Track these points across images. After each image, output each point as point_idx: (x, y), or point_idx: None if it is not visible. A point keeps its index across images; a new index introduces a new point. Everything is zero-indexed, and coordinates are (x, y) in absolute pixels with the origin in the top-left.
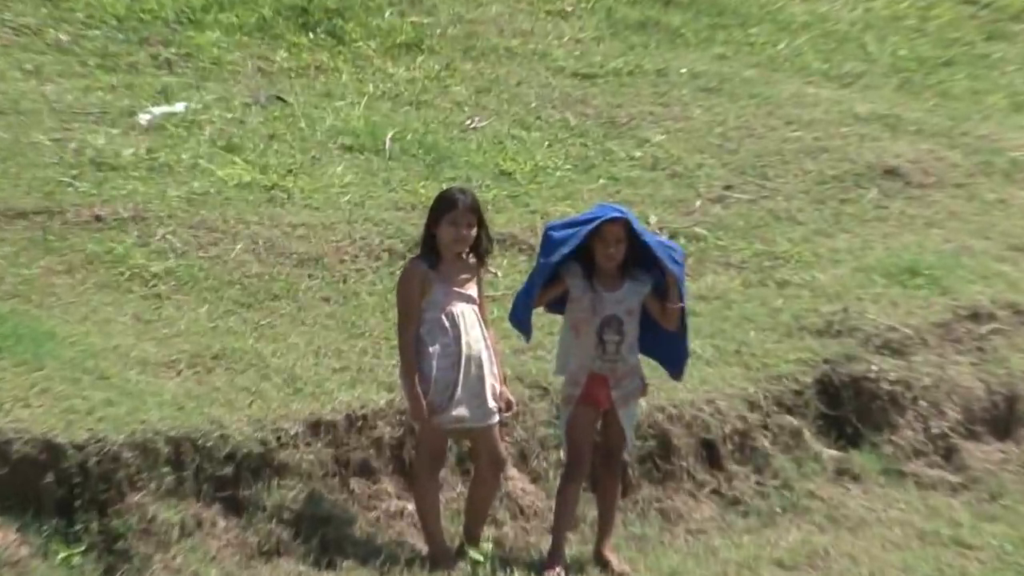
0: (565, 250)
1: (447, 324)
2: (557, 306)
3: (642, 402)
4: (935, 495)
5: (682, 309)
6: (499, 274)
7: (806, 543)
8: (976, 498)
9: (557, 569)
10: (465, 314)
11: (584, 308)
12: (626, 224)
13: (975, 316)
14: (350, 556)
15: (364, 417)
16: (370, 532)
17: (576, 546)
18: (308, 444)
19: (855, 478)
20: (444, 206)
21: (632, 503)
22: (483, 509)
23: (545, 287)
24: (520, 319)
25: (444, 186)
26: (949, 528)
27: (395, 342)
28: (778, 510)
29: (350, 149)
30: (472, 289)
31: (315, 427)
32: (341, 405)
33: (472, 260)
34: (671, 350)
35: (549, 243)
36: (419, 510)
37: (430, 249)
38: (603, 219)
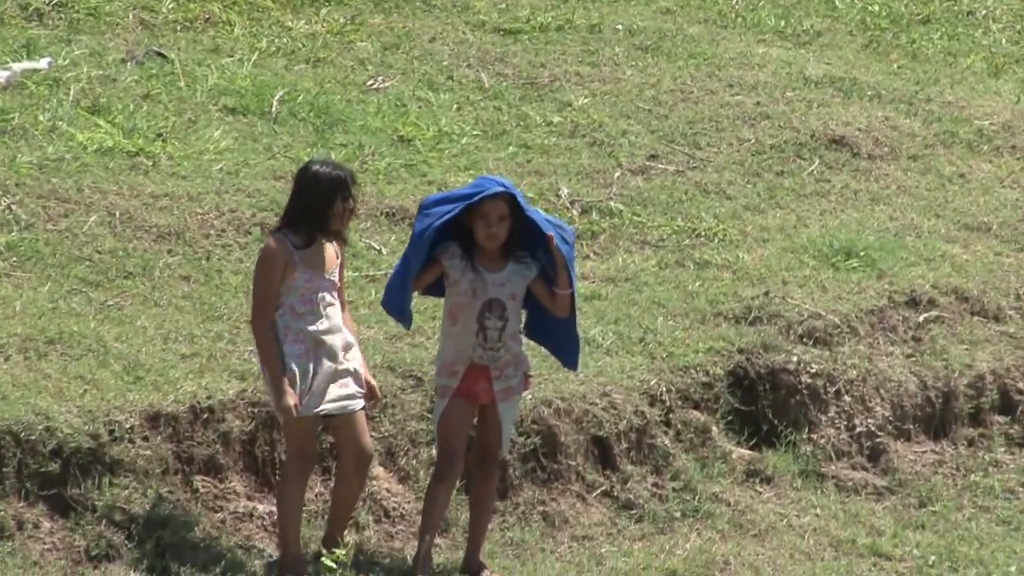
0: (437, 223)
1: (303, 310)
2: (434, 289)
3: (526, 395)
4: (856, 500)
5: (572, 295)
6: (384, 251)
7: (704, 551)
8: (902, 503)
9: None
10: (325, 298)
11: (463, 291)
12: (510, 200)
13: (913, 303)
14: (188, 562)
15: (210, 409)
16: (214, 535)
17: (447, 552)
18: (145, 438)
19: (767, 480)
20: (340, 187)
21: (512, 505)
22: (345, 510)
23: (420, 270)
24: (396, 305)
25: (333, 154)
26: (868, 536)
27: None
28: (677, 515)
29: (233, 111)
30: (335, 273)
31: (154, 420)
32: (185, 395)
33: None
34: (565, 337)
35: (423, 220)
36: (280, 512)
37: (305, 227)
38: (484, 194)
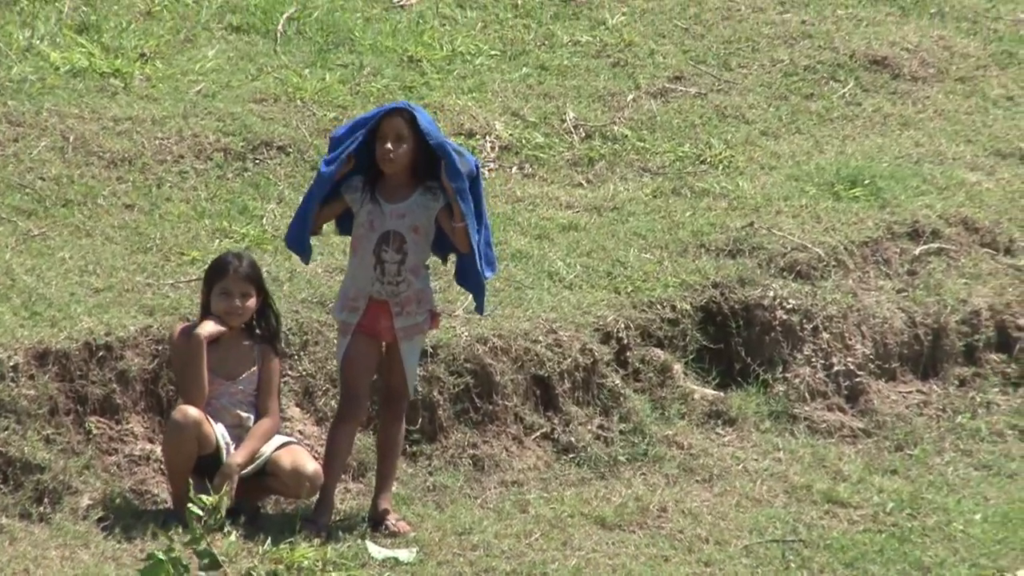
0: (344, 155)
1: (208, 411)
2: (347, 226)
3: (462, 332)
4: (828, 443)
5: (467, 230)
6: None
7: (641, 498)
8: (877, 446)
9: (320, 525)
10: (228, 410)
11: (362, 223)
12: (411, 120)
13: (915, 234)
14: (67, 507)
15: (107, 346)
16: (104, 478)
17: (359, 498)
18: (31, 377)
19: (730, 422)
20: (213, 272)
21: (441, 448)
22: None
23: (323, 204)
24: (295, 239)
25: (328, 76)
26: (828, 482)
27: (188, 255)
28: (622, 459)
29: (237, 29)
30: (247, 380)
31: (42, 357)
32: (80, 332)
33: (251, 344)
34: (470, 280)
35: (331, 154)
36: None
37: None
38: (380, 112)
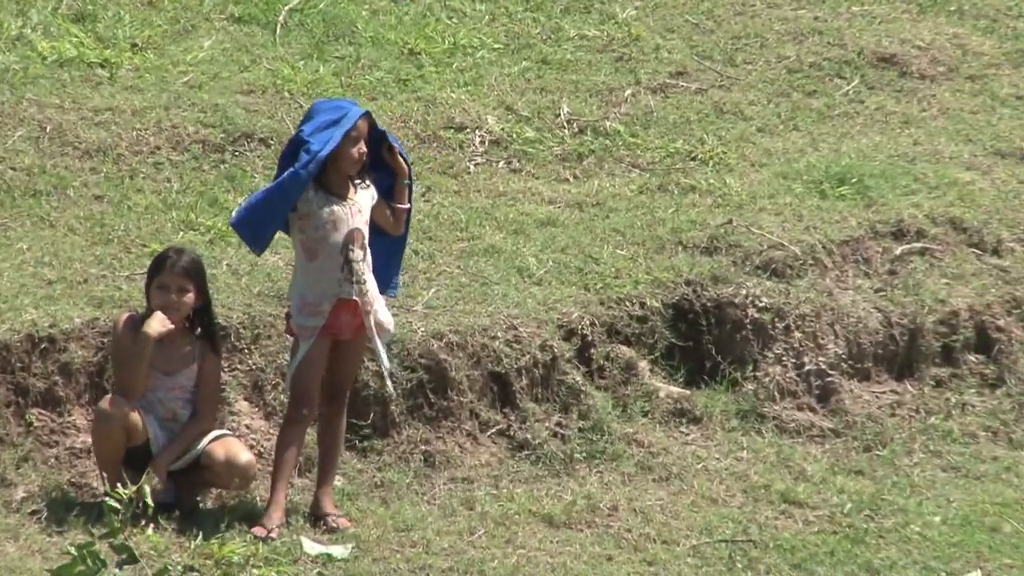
0: (324, 154)
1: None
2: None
3: (419, 327)
4: (794, 443)
5: (409, 211)
6: None
7: (592, 497)
8: (845, 447)
9: (269, 528)
10: (163, 403)
11: (321, 224)
12: (369, 119)
13: (898, 233)
14: None
15: (50, 339)
16: (43, 471)
17: (303, 493)
18: None
19: (695, 421)
20: (152, 267)
21: (393, 444)
22: None
23: None
24: (256, 229)
25: (322, 68)
26: (788, 482)
27: (149, 247)
28: (579, 456)
29: (238, 20)
30: (185, 376)
31: None
32: (22, 325)
33: (191, 342)
34: (386, 263)
35: (306, 149)
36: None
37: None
38: (360, 115)
